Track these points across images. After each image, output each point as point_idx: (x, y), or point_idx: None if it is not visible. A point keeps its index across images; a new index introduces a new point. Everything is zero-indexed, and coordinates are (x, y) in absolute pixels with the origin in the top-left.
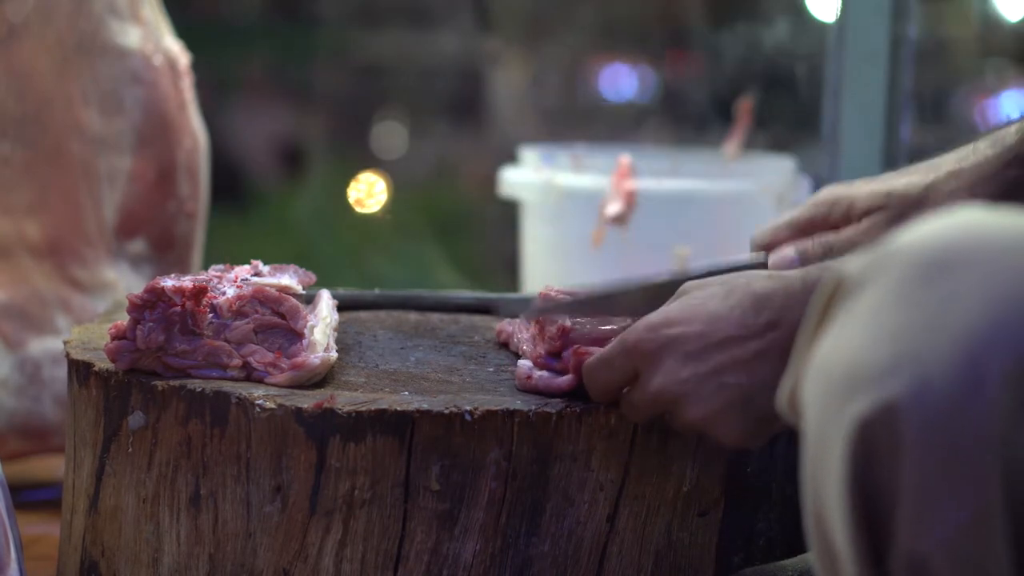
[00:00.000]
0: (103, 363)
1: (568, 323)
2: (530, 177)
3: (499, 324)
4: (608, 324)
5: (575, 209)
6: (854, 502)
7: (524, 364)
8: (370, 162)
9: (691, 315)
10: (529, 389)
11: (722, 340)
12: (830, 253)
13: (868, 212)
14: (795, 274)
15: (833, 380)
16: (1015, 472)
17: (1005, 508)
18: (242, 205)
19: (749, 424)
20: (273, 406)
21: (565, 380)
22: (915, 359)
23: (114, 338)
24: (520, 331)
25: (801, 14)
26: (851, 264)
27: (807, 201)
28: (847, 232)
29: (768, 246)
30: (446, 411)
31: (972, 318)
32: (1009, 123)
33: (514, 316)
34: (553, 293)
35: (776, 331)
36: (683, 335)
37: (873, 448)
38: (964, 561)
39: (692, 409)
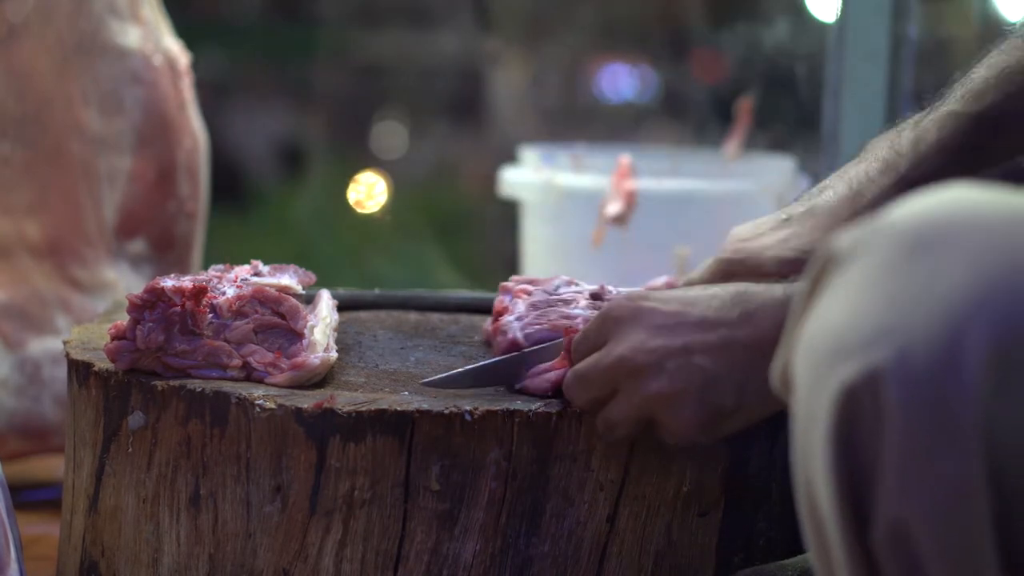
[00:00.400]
0: (103, 363)
1: (517, 335)
2: (530, 177)
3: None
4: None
5: (575, 209)
6: (838, 469)
7: None
8: (370, 162)
9: (670, 296)
10: (528, 391)
11: (695, 322)
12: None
13: (780, 276)
14: (779, 284)
15: (820, 349)
16: (995, 441)
17: (985, 476)
18: (242, 205)
19: (703, 412)
20: (273, 406)
21: (554, 374)
22: (899, 329)
23: (114, 338)
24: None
25: (801, 14)
26: (840, 239)
27: (712, 258)
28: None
29: None
30: (446, 411)
31: (956, 291)
32: (899, 132)
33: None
34: (511, 285)
35: (749, 326)
36: (658, 310)
37: (857, 415)
38: (944, 528)
39: (652, 382)
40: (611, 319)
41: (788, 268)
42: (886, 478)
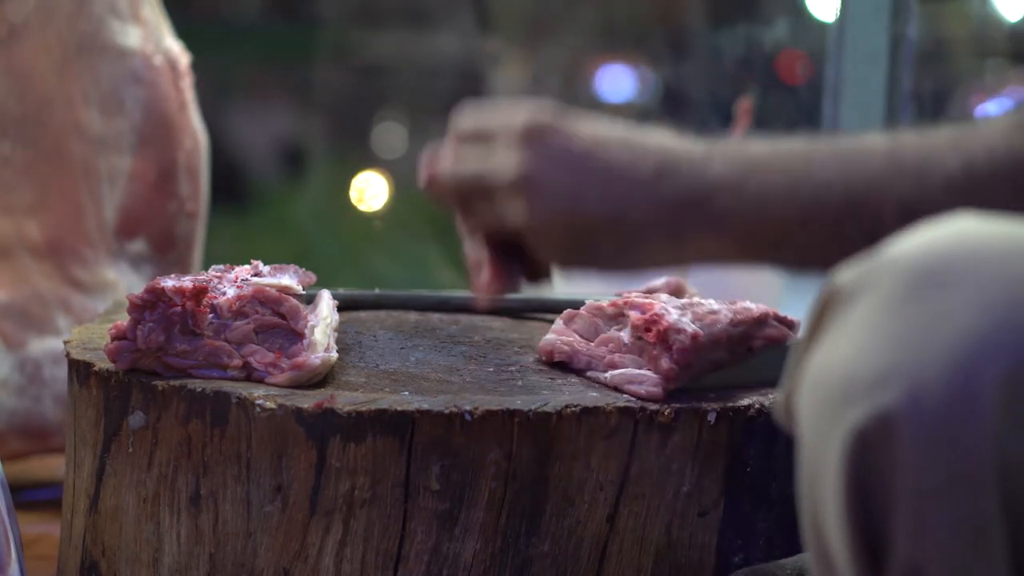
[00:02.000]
0: (103, 363)
1: (695, 329)
2: None
3: (545, 342)
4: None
5: None
6: (851, 511)
7: (649, 376)
8: (370, 162)
9: (589, 128)
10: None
11: (602, 167)
12: None
13: None
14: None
15: (828, 390)
16: (1010, 480)
17: (1001, 516)
18: (242, 205)
19: (571, 243)
20: (273, 406)
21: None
22: (909, 368)
23: (114, 338)
24: (595, 348)
25: (801, 14)
26: (844, 274)
27: None
28: None
29: None
30: (446, 411)
31: (965, 327)
32: None
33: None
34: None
35: (661, 184)
36: (572, 140)
37: (869, 458)
38: (960, 570)
39: (534, 199)
40: (529, 129)
41: None
42: (901, 519)
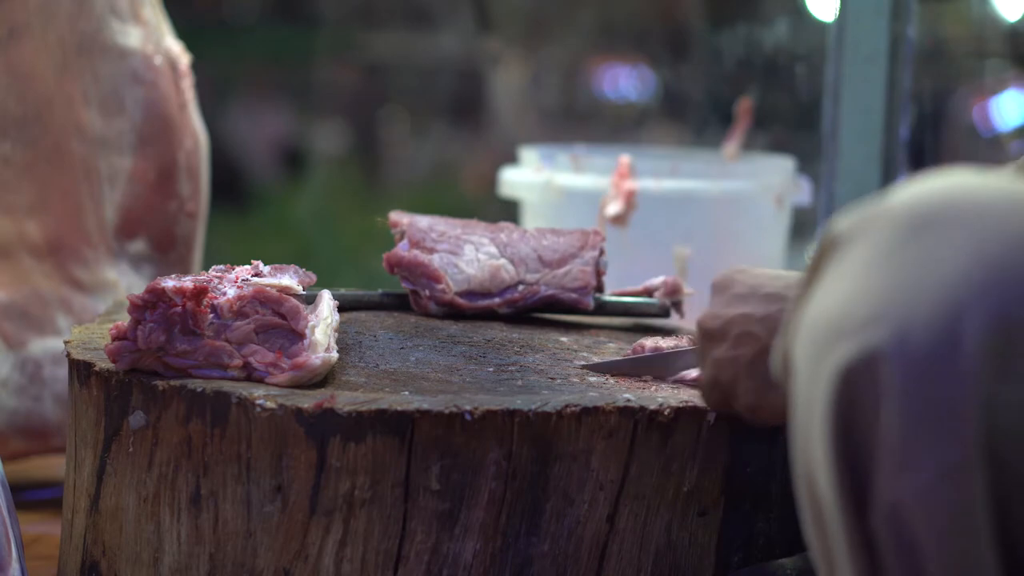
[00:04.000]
0: (104, 363)
1: None
2: (530, 177)
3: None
4: None
5: (575, 209)
6: (837, 451)
7: None
8: (371, 162)
9: (762, 271)
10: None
11: (765, 294)
12: None
13: None
14: None
15: (819, 331)
16: (993, 423)
17: (982, 459)
18: (242, 205)
19: (754, 380)
20: (273, 406)
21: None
22: (898, 310)
23: (115, 338)
24: None
25: (801, 14)
26: (841, 222)
27: None
28: None
29: None
30: (446, 411)
31: (954, 272)
32: None
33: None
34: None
35: None
36: (741, 281)
37: (855, 397)
38: (939, 511)
39: (715, 347)
40: (712, 288)
41: None
42: (883, 460)
